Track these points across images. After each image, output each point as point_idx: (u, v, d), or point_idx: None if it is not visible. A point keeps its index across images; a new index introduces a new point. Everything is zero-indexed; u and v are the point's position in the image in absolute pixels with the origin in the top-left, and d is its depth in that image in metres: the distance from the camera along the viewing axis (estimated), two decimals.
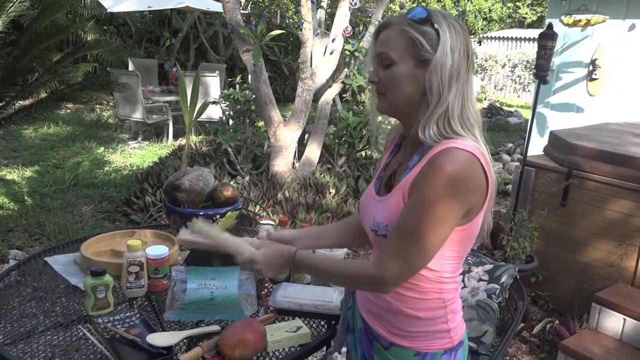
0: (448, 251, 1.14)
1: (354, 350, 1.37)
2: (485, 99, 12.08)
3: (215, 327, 1.48)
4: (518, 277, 1.99)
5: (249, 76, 4.92)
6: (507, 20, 18.58)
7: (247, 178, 5.00)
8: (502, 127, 9.48)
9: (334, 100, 5.36)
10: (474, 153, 1.07)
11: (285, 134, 4.83)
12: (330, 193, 4.69)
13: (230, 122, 5.66)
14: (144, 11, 9.49)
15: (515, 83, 13.71)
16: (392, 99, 1.13)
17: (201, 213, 1.92)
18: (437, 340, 1.19)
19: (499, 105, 10.73)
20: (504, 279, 1.97)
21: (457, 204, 1.05)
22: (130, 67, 8.20)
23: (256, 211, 3.70)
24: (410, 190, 1.11)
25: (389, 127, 1.31)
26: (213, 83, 7.42)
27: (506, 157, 6.94)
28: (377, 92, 1.16)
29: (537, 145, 4.40)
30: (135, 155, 6.68)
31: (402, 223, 1.09)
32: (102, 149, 6.82)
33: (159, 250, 1.73)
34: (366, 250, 4.27)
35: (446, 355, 1.19)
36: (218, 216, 1.91)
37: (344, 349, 1.48)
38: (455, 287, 1.22)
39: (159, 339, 1.36)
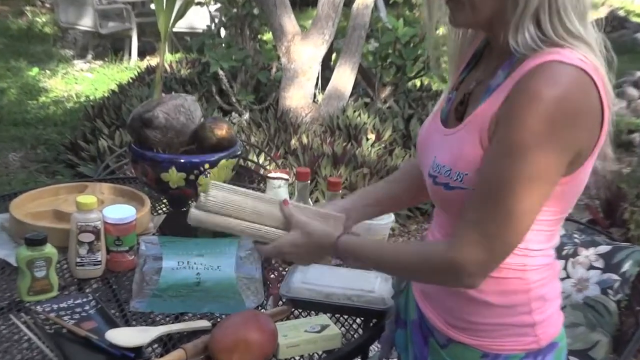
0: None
1: (404, 350, 1.40)
2: (602, 4, 11.78)
3: (203, 323, 1.50)
4: None
5: None
6: None
7: (247, 115, 5.01)
8: (627, 47, 9.26)
9: (375, 3, 5.27)
10: (585, 69, 1.06)
11: (304, 52, 4.79)
12: (368, 139, 4.69)
13: (223, 33, 5.64)
14: None
15: None
16: (479, 4, 1.14)
17: (182, 160, 1.93)
18: (515, 338, 1.21)
19: (623, 14, 10.45)
20: (626, 267, 1.95)
21: (561, 147, 1.07)
22: None
23: (260, 162, 3.72)
24: (492, 128, 1.12)
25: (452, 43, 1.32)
26: None
27: (632, 91, 6.80)
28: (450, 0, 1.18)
29: None
30: (83, 81, 6.73)
31: (483, 182, 1.11)
32: (35, 70, 6.88)
33: (122, 211, 1.75)
34: (419, 224, 4.29)
35: None
36: (207, 166, 1.93)
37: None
38: (546, 263, 1.23)
39: (124, 336, 1.39)
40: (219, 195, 1.37)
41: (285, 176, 1.97)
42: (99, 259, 1.70)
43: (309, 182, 1.87)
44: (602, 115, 1.09)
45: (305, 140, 4.57)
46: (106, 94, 5.78)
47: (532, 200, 1.09)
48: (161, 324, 1.50)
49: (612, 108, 1.11)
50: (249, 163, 3.52)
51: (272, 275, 1.74)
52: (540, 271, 1.21)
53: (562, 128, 1.05)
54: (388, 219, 1.81)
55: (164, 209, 2.18)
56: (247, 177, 3.04)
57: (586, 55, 1.08)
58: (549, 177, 1.08)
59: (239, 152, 2.06)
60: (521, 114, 1.05)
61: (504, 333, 1.21)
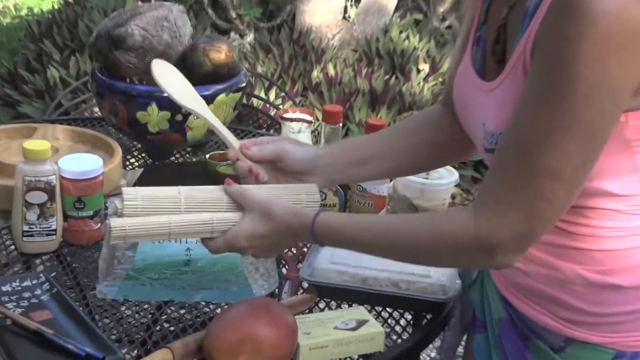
0: None
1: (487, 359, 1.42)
2: None
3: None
4: None
5: None
6: None
7: (251, 36, 4.99)
8: None
9: None
10: None
11: None
12: (419, 71, 4.68)
13: None
14: None
15: None
16: None
17: (166, 94, 1.93)
18: None
19: None
20: None
21: (622, 74, 1.08)
22: None
23: (271, 100, 3.71)
24: (530, 56, 1.14)
25: None
26: None
27: None
28: None
29: None
30: None
31: (516, 128, 1.15)
32: None
33: (84, 163, 1.75)
34: None
35: None
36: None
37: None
38: None
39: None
40: (139, 192, 1.38)
41: (308, 117, 1.96)
42: (54, 228, 1.72)
43: (340, 124, 1.87)
44: None
45: (332, 71, 4.57)
46: (56, 6, 5.77)
47: (584, 149, 1.11)
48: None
49: None
50: (255, 101, 3.53)
51: (289, 253, 1.76)
52: None
53: (619, 52, 1.06)
54: (450, 178, 1.81)
55: (141, 160, 2.20)
56: (251, 120, 3.05)
57: None
58: (605, 117, 1.10)
59: (243, 84, 2.06)
60: (564, 36, 1.07)
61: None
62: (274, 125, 2.82)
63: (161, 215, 1.37)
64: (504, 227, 1.15)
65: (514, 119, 1.15)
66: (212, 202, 1.39)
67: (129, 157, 2.20)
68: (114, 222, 1.34)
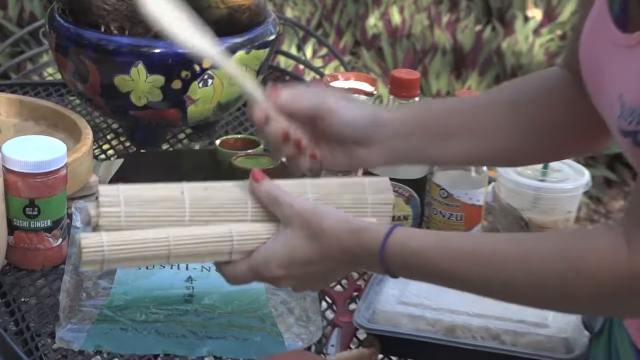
0: None
1: None
2: None
3: None
4: None
5: None
6: None
7: None
8: None
9: None
10: None
11: None
12: (527, 20, 4.66)
13: None
14: None
15: None
16: None
17: (157, 50, 1.95)
18: None
19: None
20: None
21: None
22: None
23: (307, 59, 3.70)
24: None
25: None
26: None
27: None
28: None
29: None
30: None
31: None
32: None
33: (39, 148, 1.77)
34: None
35: None
36: (207, 62, 1.95)
37: None
38: None
39: None
40: (122, 192, 1.35)
41: (368, 86, 1.97)
42: None
43: (417, 99, 1.87)
44: None
45: (396, 18, 4.58)
46: None
47: None
48: None
49: None
50: (283, 60, 3.52)
51: (337, 287, 1.77)
52: None
53: None
54: (578, 180, 1.81)
55: (119, 147, 2.23)
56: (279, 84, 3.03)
57: None
58: None
59: (271, 37, 2.07)
60: None
61: None
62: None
63: (155, 229, 1.33)
64: None
65: None
66: (231, 208, 1.35)
67: (102, 142, 2.22)
68: (86, 239, 1.29)
